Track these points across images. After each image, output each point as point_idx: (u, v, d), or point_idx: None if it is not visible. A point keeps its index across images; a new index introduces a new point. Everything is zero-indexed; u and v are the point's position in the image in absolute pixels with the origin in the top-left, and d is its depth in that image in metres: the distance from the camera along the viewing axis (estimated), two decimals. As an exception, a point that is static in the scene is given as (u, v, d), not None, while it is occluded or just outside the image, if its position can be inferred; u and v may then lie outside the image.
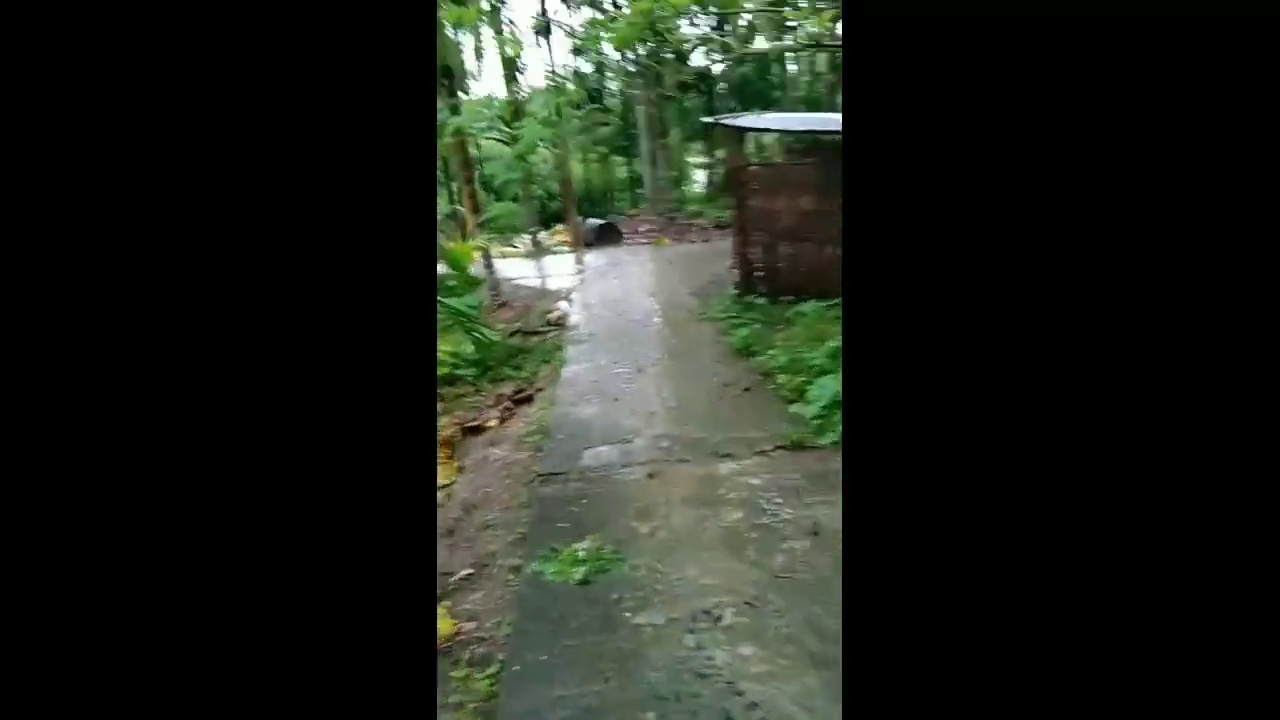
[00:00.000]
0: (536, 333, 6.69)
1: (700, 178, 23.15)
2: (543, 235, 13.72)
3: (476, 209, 12.98)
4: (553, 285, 8.74)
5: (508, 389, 5.06)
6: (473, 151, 10.37)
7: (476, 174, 10.50)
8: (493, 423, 4.43)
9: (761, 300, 6.08)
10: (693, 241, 11.57)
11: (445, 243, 9.90)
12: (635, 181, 20.15)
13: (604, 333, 6.17)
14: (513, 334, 6.61)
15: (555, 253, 11.72)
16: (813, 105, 18.87)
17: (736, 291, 6.48)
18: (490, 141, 12.32)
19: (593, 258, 10.47)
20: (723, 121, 7.66)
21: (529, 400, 4.79)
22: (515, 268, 10.16)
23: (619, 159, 21.28)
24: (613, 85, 20.79)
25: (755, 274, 6.37)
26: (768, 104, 19.43)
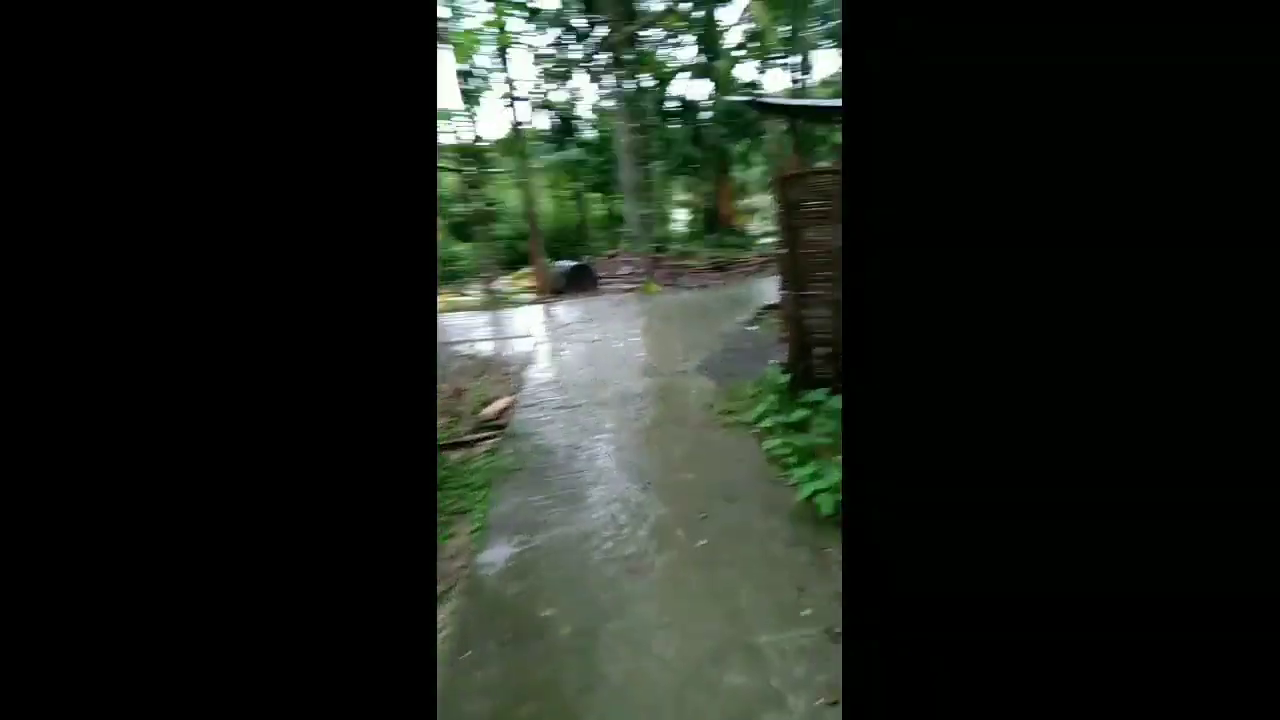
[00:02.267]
0: (458, 444, 4.09)
1: (681, 215, 21.10)
2: (502, 281, 11.21)
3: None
4: (505, 350, 6.17)
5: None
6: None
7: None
8: None
9: (827, 395, 3.40)
10: (688, 287, 9.10)
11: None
12: (615, 219, 17.92)
13: (564, 451, 3.61)
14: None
15: (517, 303, 9.20)
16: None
17: (785, 376, 3.79)
18: (449, 175, 9.93)
19: (564, 309, 7.96)
20: (762, 100, 5.20)
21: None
22: (464, 323, 7.62)
23: (594, 195, 19.03)
24: (586, 115, 18.74)
25: (816, 349, 3.72)
26: (757, 134, 17.48)
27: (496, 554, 2.60)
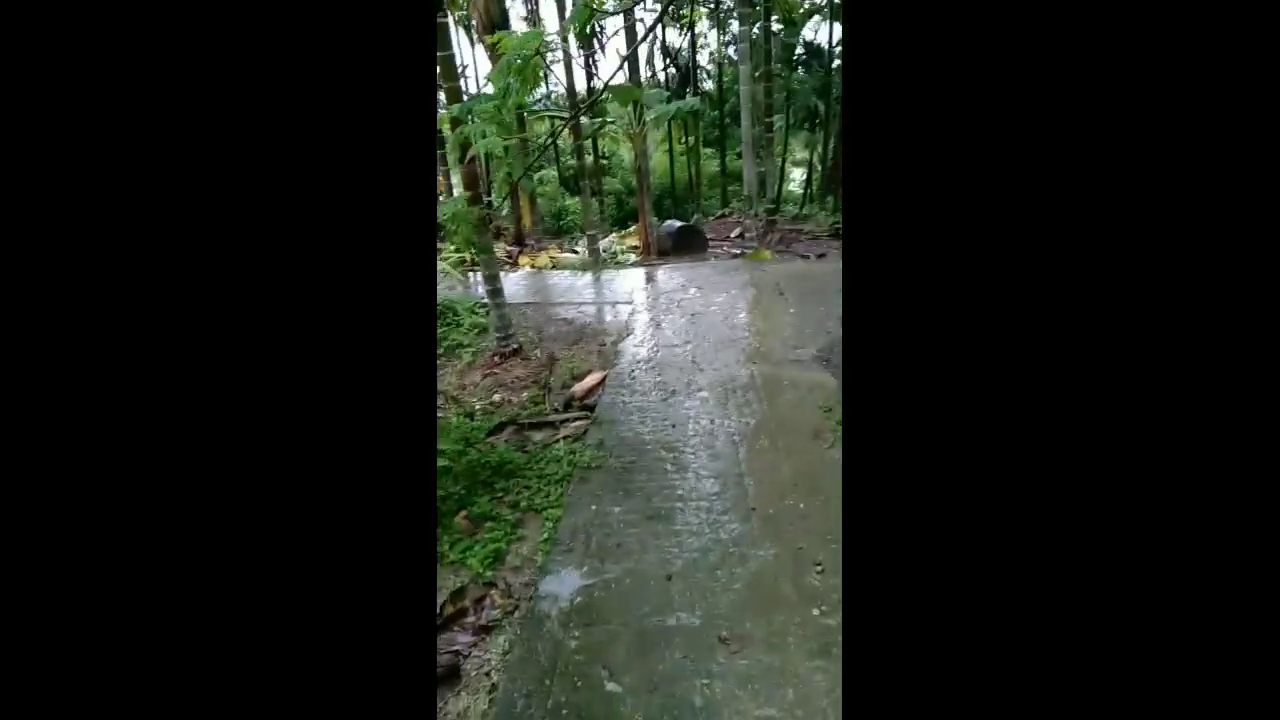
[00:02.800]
0: (543, 423, 3.73)
1: (797, 174, 19.55)
2: (608, 240, 10.79)
3: (525, 209, 10.15)
4: (601, 319, 5.75)
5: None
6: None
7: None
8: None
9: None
10: (805, 256, 8.22)
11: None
12: (731, 176, 16.90)
13: (653, 450, 3.14)
14: (498, 427, 3.68)
15: (621, 263, 8.76)
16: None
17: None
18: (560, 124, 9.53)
19: (666, 274, 7.40)
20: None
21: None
22: (564, 283, 7.30)
23: (709, 150, 18.02)
24: (706, 65, 17.61)
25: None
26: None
27: (562, 583, 2.20)
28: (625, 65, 9.88)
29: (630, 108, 8.77)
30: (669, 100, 9.23)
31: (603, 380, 4.28)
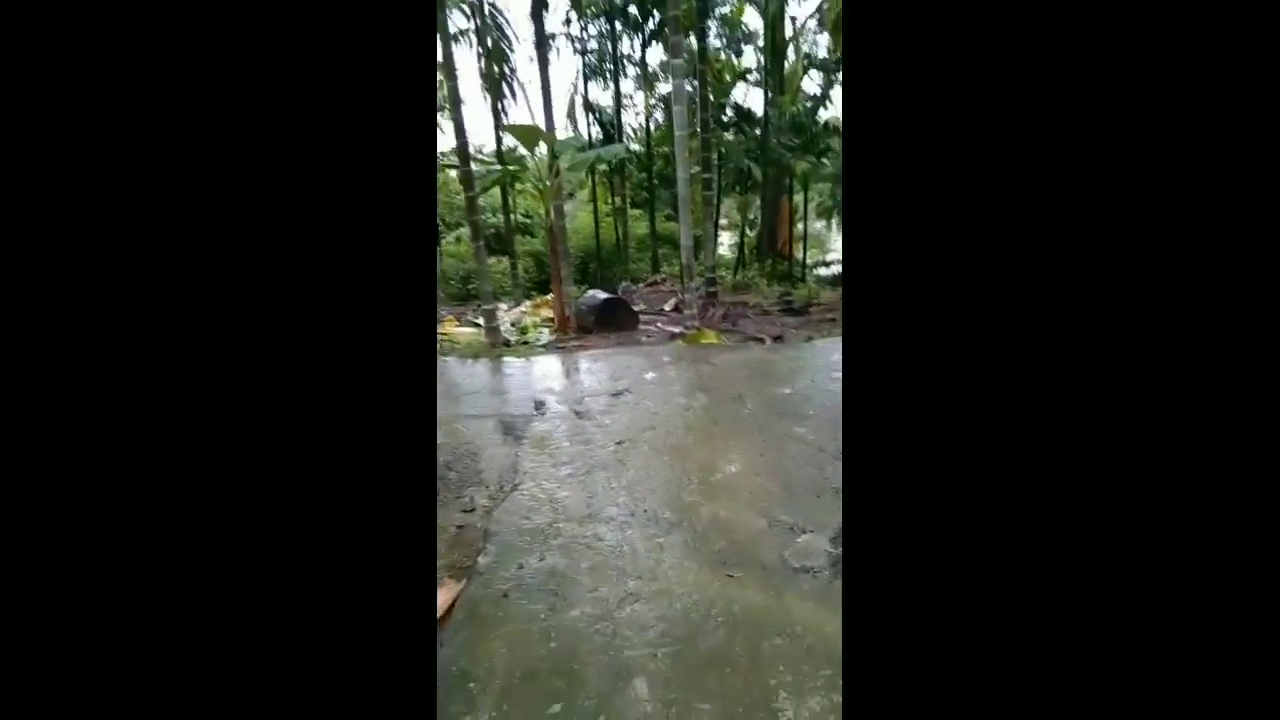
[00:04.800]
0: None
1: (725, 239, 18.46)
2: (517, 311, 8.80)
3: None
4: (476, 453, 3.68)
5: None
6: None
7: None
8: None
9: None
10: (758, 339, 6.51)
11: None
12: (663, 239, 15.47)
13: None
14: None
15: (528, 343, 6.79)
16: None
17: None
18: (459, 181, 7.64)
19: (586, 366, 5.47)
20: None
21: None
22: (451, 375, 5.21)
23: (636, 212, 16.60)
24: (632, 124, 16.41)
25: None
26: (822, 151, 14.91)
27: None
28: (543, 117, 8.15)
29: (543, 157, 7.01)
30: (583, 150, 7.47)
31: (451, 606, 2.21)
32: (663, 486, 2.98)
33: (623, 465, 3.24)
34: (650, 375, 4.84)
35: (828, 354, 5.25)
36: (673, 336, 6.67)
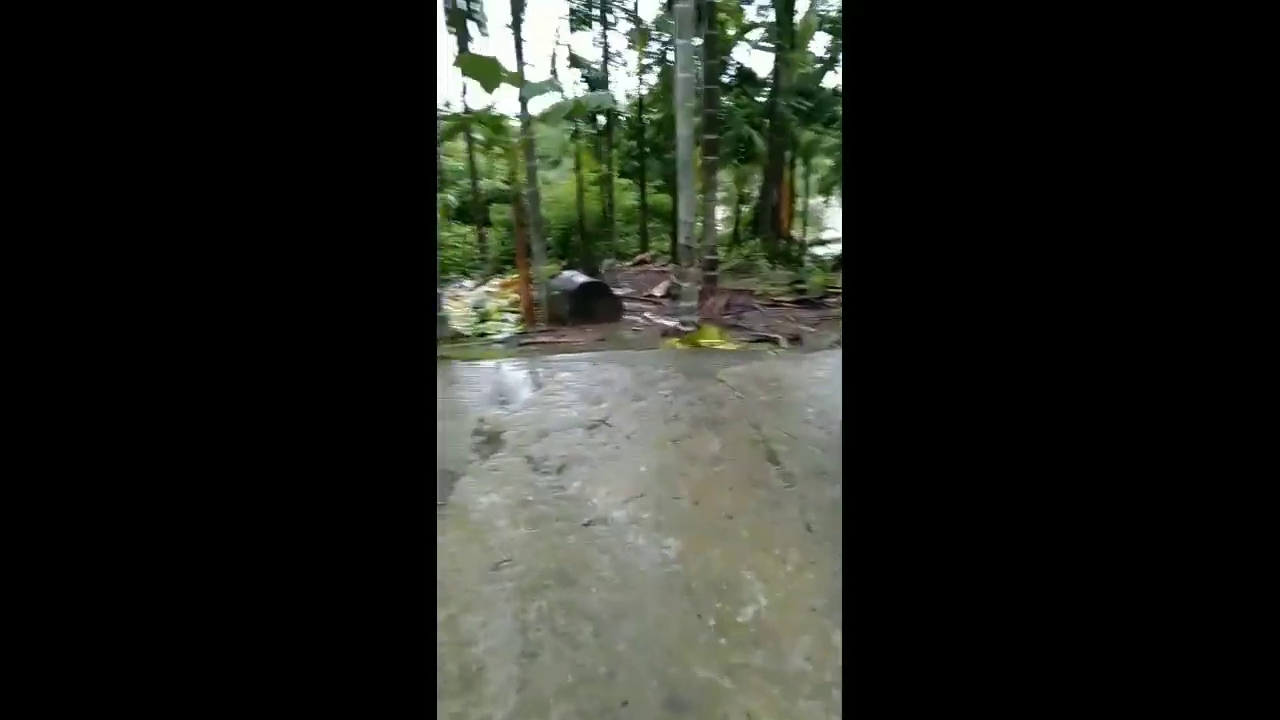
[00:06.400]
0: None
1: (718, 213, 16.99)
2: (480, 292, 7.40)
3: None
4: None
5: None
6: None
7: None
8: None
9: None
10: (770, 339, 5.19)
11: None
12: (653, 211, 13.97)
13: None
14: None
15: (485, 336, 5.41)
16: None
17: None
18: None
19: (549, 387, 4.14)
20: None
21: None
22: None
23: (624, 182, 15.03)
24: (621, 80, 14.79)
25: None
26: (829, 120, 13.45)
27: None
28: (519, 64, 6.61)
29: (513, 108, 5.53)
30: (544, 92, 5.91)
31: None
32: (656, 636, 1.70)
33: (593, 574, 1.94)
34: (639, 400, 3.53)
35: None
36: (666, 333, 5.35)
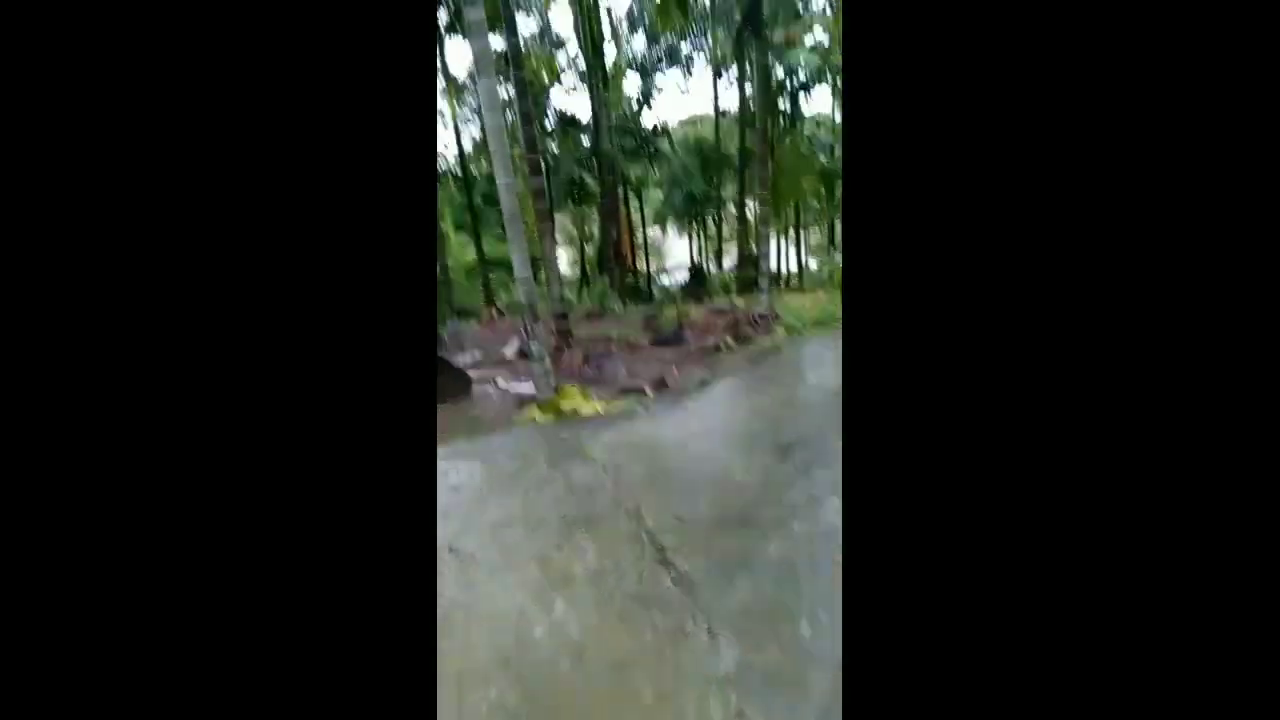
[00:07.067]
0: None
1: (562, 255, 16.70)
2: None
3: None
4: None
5: None
6: None
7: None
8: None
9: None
10: (638, 390, 4.76)
11: None
12: (493, 263, 13.23)
13: None
14: None
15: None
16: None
17: None
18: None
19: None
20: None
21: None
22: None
23: (460, 239, 14.24)
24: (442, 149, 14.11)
25: None
26: (652, 155, 13.80)
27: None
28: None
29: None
30: None
31: None
32: None
33: None
34: (494, 508, 2.87)
35: (735, 407, 3.64)
36: (522, 402, 4.73)
